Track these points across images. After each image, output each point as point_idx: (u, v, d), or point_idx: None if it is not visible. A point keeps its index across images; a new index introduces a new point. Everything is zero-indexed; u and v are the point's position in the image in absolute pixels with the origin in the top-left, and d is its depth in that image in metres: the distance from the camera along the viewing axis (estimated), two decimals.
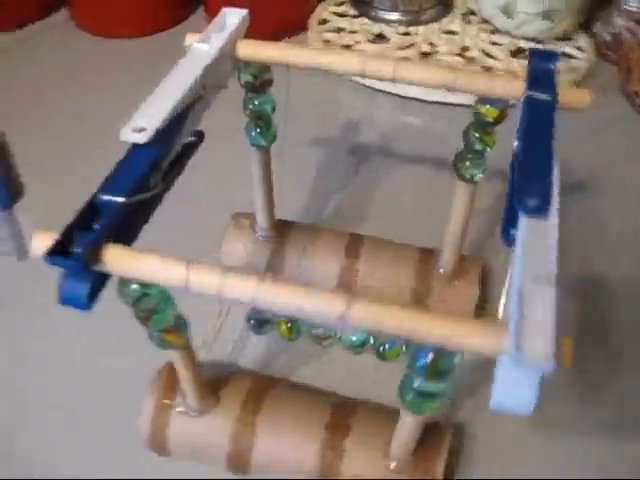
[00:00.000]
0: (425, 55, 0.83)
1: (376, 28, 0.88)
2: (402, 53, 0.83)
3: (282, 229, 0.56)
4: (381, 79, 0.42)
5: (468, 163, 0.46)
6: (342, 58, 0.42)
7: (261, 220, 0.55)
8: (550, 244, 0.31)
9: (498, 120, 0.43)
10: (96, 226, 0.33)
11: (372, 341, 0.48)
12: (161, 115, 0.37)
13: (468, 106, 0.44)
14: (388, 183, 0.69)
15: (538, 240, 0.32)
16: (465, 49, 0.84)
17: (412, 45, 0.85)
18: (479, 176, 0.47)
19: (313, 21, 0.89)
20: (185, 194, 0.66)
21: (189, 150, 0.41)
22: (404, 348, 0.48)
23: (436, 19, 0.89)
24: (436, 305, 0.52)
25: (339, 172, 0.71)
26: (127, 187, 0.35)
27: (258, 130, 0.49)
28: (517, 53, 0.84)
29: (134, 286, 0.34)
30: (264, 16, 0.86)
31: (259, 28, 0.88)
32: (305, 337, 0.49)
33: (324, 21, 0.91)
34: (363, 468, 0.43)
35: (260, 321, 0.50)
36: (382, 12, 0.89)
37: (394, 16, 0.88)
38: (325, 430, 0.44)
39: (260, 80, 0.45)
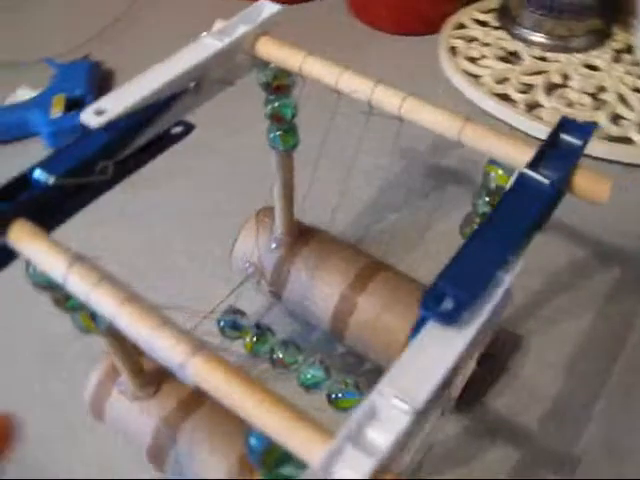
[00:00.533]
0: (552, 87, 0.76)
1: (511, 45, 0.81)
2: (526, 79, 0.76)
3: (301, 235, 0.54)
4: (387, 111, 0.38)
5: (475, 227, 0.41)
6: (351, 83, 0.38)
7: (278, 222, 0.52)
8: (443, 361, 0.27)
9: None
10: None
11: (327, 384, 0.44)
12: (129, 101, 0.35)
13: None
14: (442, 218, 0.64)
15: (432, 350, 0.27)
16: (601, 89, 0.76)
17: (542, 72, 0.77)
18: None
19: (449, 24, 0.84)
20: (219, 182, 0.68)
21: (169, 141, 0.39)
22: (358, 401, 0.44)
23: (583, 49, 0.81)
24: None
25: (402, 191, 0.67)
26: (62, 168, 0.34)
27: (278, 133, 0.46)
28: None
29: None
30: (401, 9, 0.84)
31: (392, 20, 0.82)
32: (265, 356, 0.47)
33: (461, 26, 0.85)
34: None
35: (229, 325, 0.48)
36: (525, 30, 0.82)
37: (536, 37, 0.81)
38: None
39: (277, 83, 0.42)
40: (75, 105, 0.73)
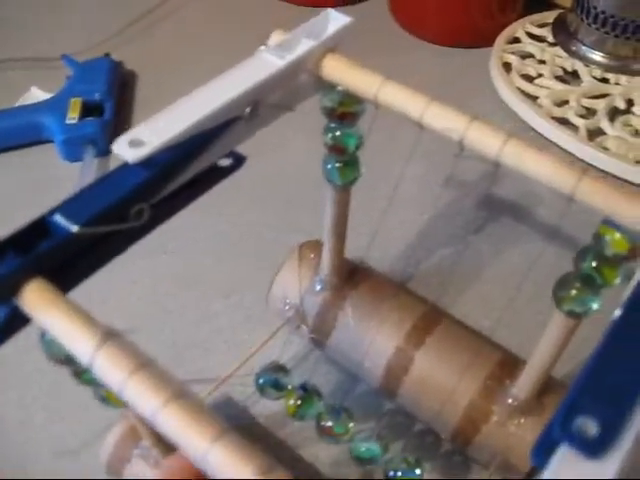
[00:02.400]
0: (615, 112, 0.69)
1: (569, 64, 0.74)
2: (587, 102, 0.70)
3: (349, 276, 0.47)
4: (482, 154, 0.31)
5: (574, 292, 0.34)
6: (440, 118, 0.32)
7: (325, 261, 0.46)
8: None
9: (627, 256, 0.31)
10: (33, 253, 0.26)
11: (385, 460, 0.38)
12: (171, 132, 0.29)
13: None
14: (507, 256, 0.57)
15: None
16: None
17: (604, 96, 0.71)
18: (590, 311, 0.35)
19: (502, 37, 0.77)
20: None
21: (216, 175, 0.33)
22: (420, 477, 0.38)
23: None
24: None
25: (456, 225, 0.60)
26: (88, 214, 0.27)
27: (336, 165, 0.39)
28: None
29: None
30: (450, 18, 0.77)
31: (440, 30, 0.75)
32: (310, 421, 0.40)
33: (515, 40, 0.78)
34: None
35: (271, 384, 0.41)
36: (585, 48, 0.75)
37: (597, 56, 0.74)
38: None
39: (344, 110, 0.36)
40: (93, 110, 0.66)
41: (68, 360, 0.27)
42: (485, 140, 0.31)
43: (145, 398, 0.22)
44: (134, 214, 0.28)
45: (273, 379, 0.41)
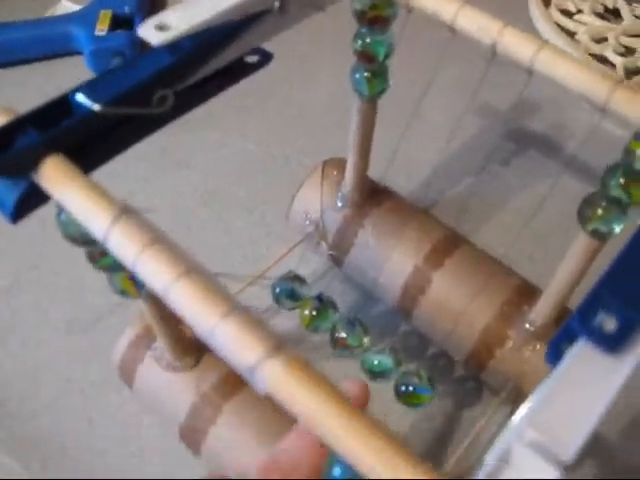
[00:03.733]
0: None
1: (610, 1, 0.72)
2: (626, 40, 0.68)
3: (371, 195, 0.47)
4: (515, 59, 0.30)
5: (600, 212, 0.34)
6: (473, 20, 0.31)
7: (348, 177, 0.45)
8: (599, 400, 0.20)
9: None
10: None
11: (397, 374, 0.38)
12: (198, 18, 0.28)
13: None
14: (533, 189, 0.57)
15: (586, 382, 0.21)
16: None
17: None
18: (614, 232, 0.34)
19: None
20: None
21: (242, 71, 0.32)
22: (432, 399, 0.38)
23: None
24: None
25: (482, 155, 0.59)
26: (112, 94, 0.27)
27: (365, 74, 0.39)
28: None
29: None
30: None
31: None
32: (324, 333, 0.40)
33: None
34: None
35: (287, 293, 0.41)
36: None
37: None
38: None
39: (375, 13, 0.35)
40: (122, 24, 0.65)
41: (84, 240, 0.27)
42: (519, 45, 0.30)
43: (158, 272, 0.22)
44: (157, 100, 0.28)
45: (289, 288, 0.41)
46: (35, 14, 0.68)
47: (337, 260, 0.47)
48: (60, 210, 0.27)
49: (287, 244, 0.48)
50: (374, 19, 0.35)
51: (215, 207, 0.55)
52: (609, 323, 0.21)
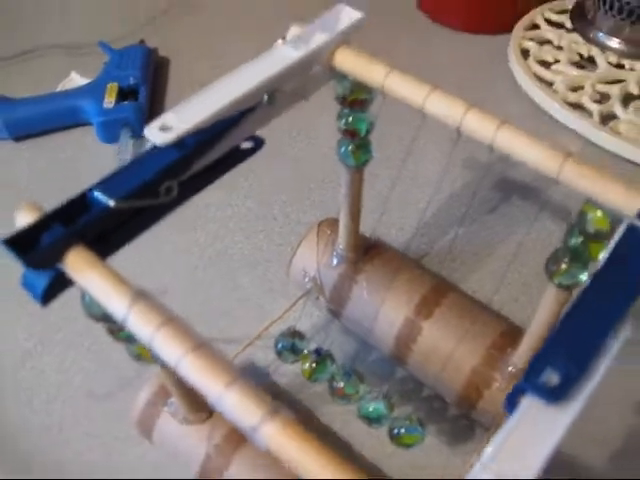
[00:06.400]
0: (629, 98, 0.71)
1: (586, 50, 0.76)
2: (601, 87, 0.72)
3: (364, 251, 0.50)
4: (478, 138, 0.35)
5: (564, 267, 0.37)
6: (440, 106, 0.35)
7: (342, 237, 0.49)
8: (545, 443, 0.24)
9: (607, 235, 0.34)
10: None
11: (390, 419, 0.42)
12: (196, 118, 0.33)
13: None
14: (518, 236, 0.60)
15: (533, 429, 0.24)
16: None
17: (619, 82, 0.73)
18: (580, 282, 0.38)
19: (521, 24, 0.80)
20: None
21: (238, 157, 0.36)
22: (422, 439, 0.41)
23: None
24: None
25: (470, 205, 0.63)
26: (124, 190, 0.31)
27: (349, 148, 0.43)
28: None
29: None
30: (472, 6, 0.80)
31: (461, 17, 0.75)
32: (324, 383, 0.44)
33: (534, 26, 0.81)
34: None
35: (288, 348, 0.45)
36: (602, 35, 0.77)
37: (614, 43, 0.76)
38: None
39: (355, 97, 0.39)
40: (128, 94, 0.70)
41: (105, 318, 0.31)
42: (480, 126, 0.34)
43: (170, 348, 0.26)
44: (164, 190, 0.32)
45: (290, 343, 0.45)
46: (48, 87, 0.73)
47: (335, 313, 0.51)
48: (84, 293, 0.31)
49: (289, 299, 0.52)
50: (354, 102, 0.39)
51: (222, 266, 0.59)
52: (553, 378, 0.25)
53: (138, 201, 0.31)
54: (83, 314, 0.32)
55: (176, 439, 0.43)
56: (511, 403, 0.26)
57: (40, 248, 0.29)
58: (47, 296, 0.30)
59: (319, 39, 0.37)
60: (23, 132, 0.70)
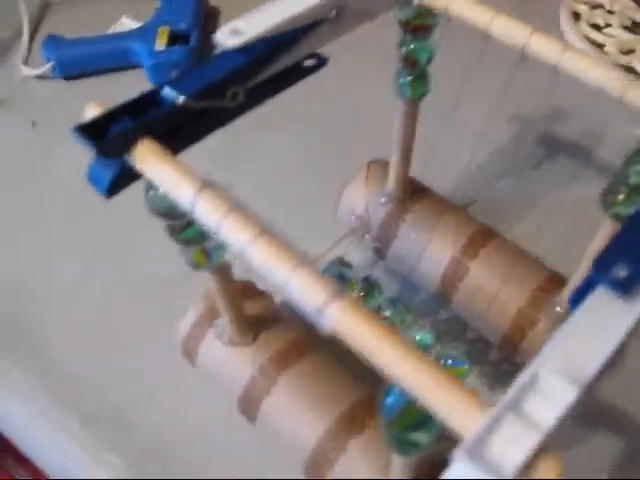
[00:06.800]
0: None
1: (637, 14, 0.76)
2: None
3: (412, 193, 0.51)
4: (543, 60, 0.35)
5: (622, 197, 0.37)
6: (505, 27, 0.35)
7: (391, 176, 0.49)
8: (613, 334, 0.24)
9: None
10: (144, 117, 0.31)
11: (436, 349, 0.42)
12: (268, 23, 0.33)
13: None
14: (563, 193, 0.60)
15: (601, 320, 0.24)
16: None
17: None
18: None
19: None
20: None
21: (300, 73, 0.37)
22: (468, 372, 0.41)
23: None
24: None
25: (516, 159, 0.63)
26: (192, 89, 0.31)
27: (408, 78, 0.43)
28: None
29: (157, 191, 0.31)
30: None
31: None
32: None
33: None
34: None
35: (335, 276, 0.45)
36: None
37: None
38: (338, 420, 0.39)
39: (417, 23, 0.39)
40: (179, 39, 0.71)
41: (169, 213, 0.32)
42: (545, 48, 0.34)
43: (238, 233, 0.26)
44: (230, 95, 0.32)
45: (338, 271, 0.45)
46: (99, 31, 0.74)
47: (380, 252, 0.51)
48: (149, 188, 0.31)
49: (334, 239, 0.52)
50: (417, 27, 0.39)
51: (267, 200, 0.59)
52: (622, 271, 0.25)
53: (206, 102, 0.32)
54: None
55: (220, 361, 0.44)
56: (576, 299, 0.26)
57: (110, 137, 0.29)
58: (113, 188, 0.30)
59: None
60: (75, 72, 0.71)
